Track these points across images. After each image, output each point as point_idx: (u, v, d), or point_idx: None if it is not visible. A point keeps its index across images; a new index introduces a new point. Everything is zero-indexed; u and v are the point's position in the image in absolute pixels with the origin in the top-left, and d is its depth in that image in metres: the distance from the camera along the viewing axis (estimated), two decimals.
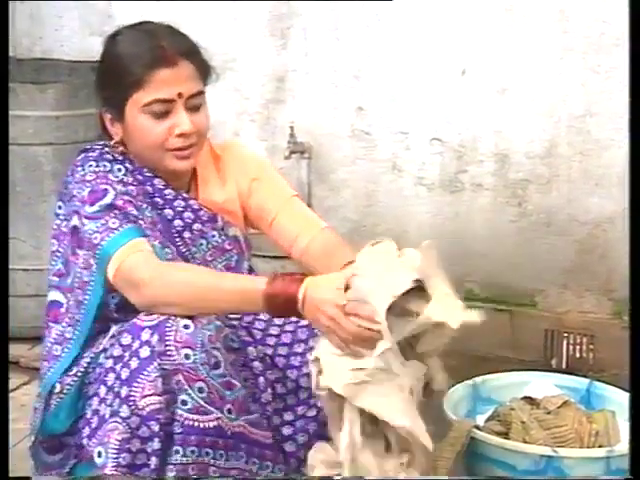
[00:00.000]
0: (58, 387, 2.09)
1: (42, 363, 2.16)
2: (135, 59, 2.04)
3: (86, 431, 1.97)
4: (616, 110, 2.95)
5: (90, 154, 2.09)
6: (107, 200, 2.01)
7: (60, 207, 2.13)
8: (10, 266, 3.01)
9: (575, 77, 3.03)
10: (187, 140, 2.07)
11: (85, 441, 1.96)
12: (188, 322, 1.90)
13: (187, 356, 1.88)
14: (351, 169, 3.33)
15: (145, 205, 2.08)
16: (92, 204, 2.01)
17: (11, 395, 2.84)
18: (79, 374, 2.08)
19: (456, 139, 3.19)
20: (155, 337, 1.89)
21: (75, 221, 2.05)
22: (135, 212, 2.02)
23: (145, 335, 1.90)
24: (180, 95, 2.04)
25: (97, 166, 2.06)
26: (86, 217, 2.01)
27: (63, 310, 2.11)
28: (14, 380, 2.95)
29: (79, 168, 2.07)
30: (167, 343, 1.88)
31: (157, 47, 2.04)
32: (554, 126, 3.08)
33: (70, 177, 2.08)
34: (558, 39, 3.02)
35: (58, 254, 2.13)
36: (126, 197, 2.03)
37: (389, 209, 3.31)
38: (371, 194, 3.32)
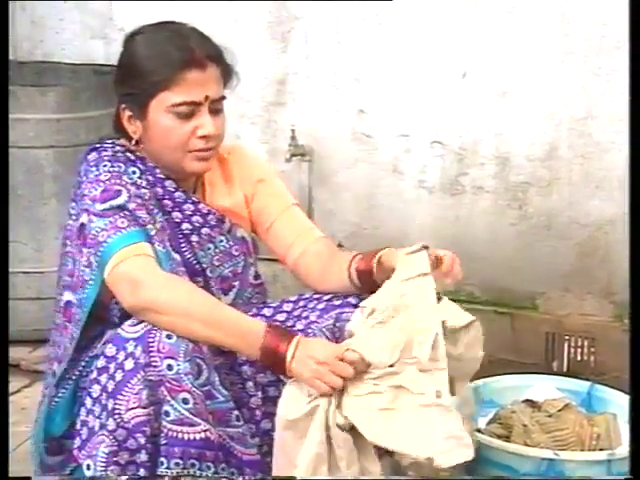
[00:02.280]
0: (54, 390, 2.08)
1: (52, 364, 2.14)
2: (164, 58, 2.03)
3: (77, 442, 1.96)
4: (617, 113, 2.95)
5: (104, 154, 2.08)
6: (119, 201, 2.00)
7: (73, 207, 2.11)
8: (11, 269, 3.01)
9: (576, 80, 3.03)
10: (208, 142, 2.07)
11: (76, 452, 1.96)
12: (171, 332, 1.89)
13: (170, 367, 1.87)
14: (352, 172, 3.33)
15: (156, 210, 2.07)
16: (103, 202, 2.00)
17: (12, 398, 2.84)
18: (74, 377, 2.07)
19: (457, 142, 3.19)
20: (139, 349, 1.88)
21: (84, 218, 2.03)
22: (146, 216, 2.01)
23: (130, 347, 1.89)
24: (207, 98, 2.05)
25: (112, 166, 2.05)
26: (95, 214, 1.99)
27: (74, 310, 2.09)
28: (15, 383, 2.94)
29: (93, 168, 2.05)
30: (151, 354, 1.87)
31: (186, 48, 2.03)
32: (555, 129, 3.08)
33: (83, 177, 2.06)
34: (559, 42, 3.02)
35: (70, 254, 2.11)
36: (139, 200, 2.02)
37: (390, 212, 3.31)
38: (372, 197, 3.32)
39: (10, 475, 2.00)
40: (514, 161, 3.14)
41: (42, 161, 3.14)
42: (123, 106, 2.10)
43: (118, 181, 2.03)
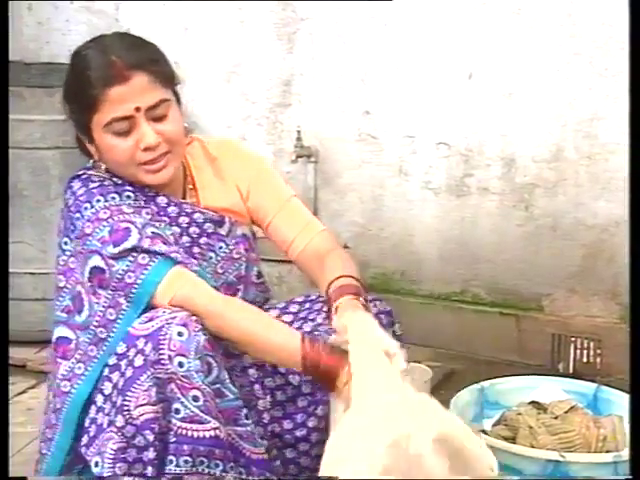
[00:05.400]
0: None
1: (50, 398, 2.11)
2: (87, 81, 1.99)
3: (84, 440, 1.96)
4: (623, 114, 2.94)
5: (91, 186, 2.04)
6: (132, 242, 1.97)
7: (66, 243, 2.07)
8: (17, 270, 3.02)
9: (582, 81, 3.03)
10: (155, 152, 2.01)
11: (83, 450, 1.95)
12: (182, 329, 1.88)
13: (181, 364, 1.86)
14: (357, 173, 3.33)
15: (163, 224, 2.06)
16: (116, 245, 1.97)
17: (17, 399, 2.85)
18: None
19: (463, 143, 3.19)
20: (149, 346, 1.87)
21: (97, 261, 1.99)
22: (162, 246, 1.99)
23: (140, 344, 1.89)
24: (138, 109, 1.98)
25: (106, 200, 2.01)
26: (112, 258, 1.97)
27: (72, 346, 2.05)
28: (21, 384, 2.95)
29: (86, 204, 2.01)
30: (161, 352, 1.87)
31: (107, 64, 1.97)
32: (561, 130, 3.08)
33: (76, 213, 2.03)
34: (565, 43, 3.02)
35: (66, 290, 2.07)
36: (149, 231, 1.99)
37: (395, 213, 3.31)
38: (377, 198, 3.32)
39: (16, 475, 2.01)
40: (520, 162, 3.14)
41: (48, 162, 3.14)
42: (77, 133, 2.08)
43: (121, 217, 1.99)
